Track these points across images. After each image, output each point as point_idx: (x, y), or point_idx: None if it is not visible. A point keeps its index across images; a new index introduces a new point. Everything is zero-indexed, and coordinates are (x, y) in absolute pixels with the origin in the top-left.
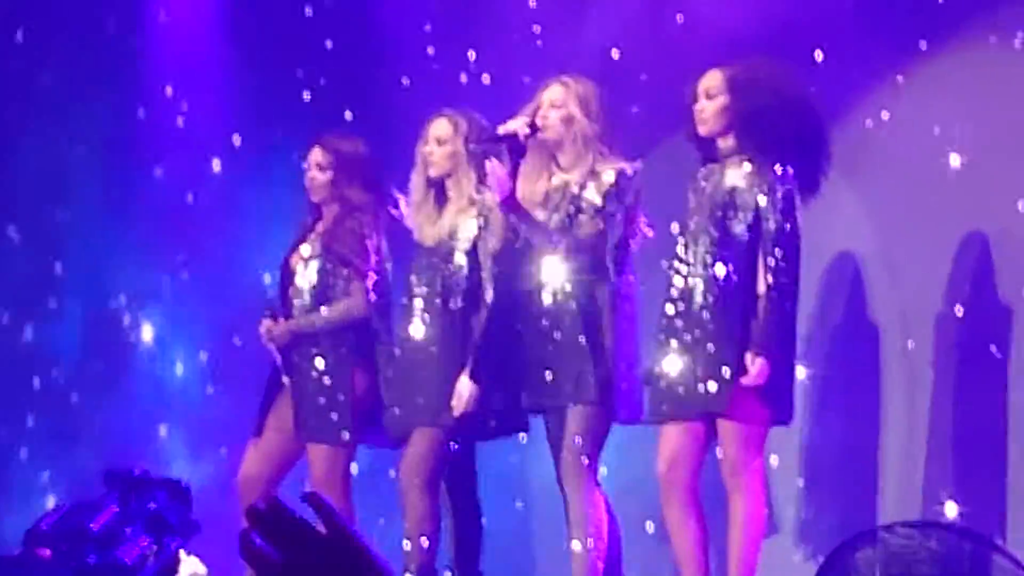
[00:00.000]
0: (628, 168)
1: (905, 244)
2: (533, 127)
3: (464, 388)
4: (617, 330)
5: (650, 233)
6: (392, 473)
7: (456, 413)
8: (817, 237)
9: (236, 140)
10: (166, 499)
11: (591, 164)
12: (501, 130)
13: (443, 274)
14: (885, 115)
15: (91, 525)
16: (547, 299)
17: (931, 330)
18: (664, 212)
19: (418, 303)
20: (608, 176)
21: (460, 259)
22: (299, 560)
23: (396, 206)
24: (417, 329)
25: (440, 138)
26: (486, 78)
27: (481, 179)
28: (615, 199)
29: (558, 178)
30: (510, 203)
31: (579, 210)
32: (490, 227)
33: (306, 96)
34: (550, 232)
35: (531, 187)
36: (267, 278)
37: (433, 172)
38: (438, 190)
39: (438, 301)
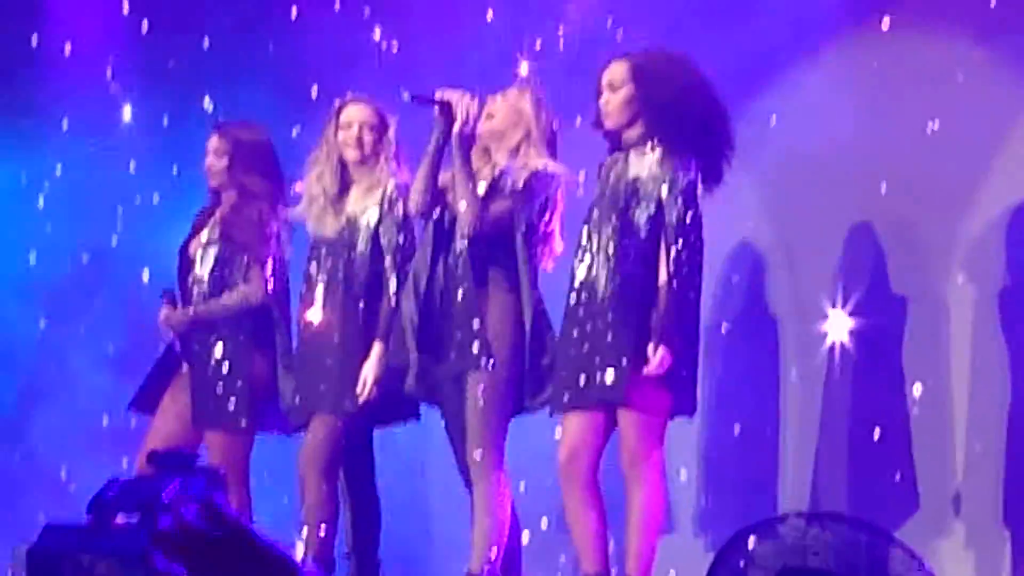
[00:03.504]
0: (552, 166)
1: (803, 235)
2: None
3: (369, 374)
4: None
5: (559, 249)
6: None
7: (361, 400)
8: (718, 227)
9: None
10: (203, 485)
11: (525, 160)
12: (438, 95)
13: (344, 261)
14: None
15: (163, 495)
16: (453, 275)
17: (828, 322)
18: (570, 201)
19: (319, 290)
20: (534, 166)
21: (362, 246)
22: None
23: (293, 195)
24: (317, 316)
25: (364, 123)
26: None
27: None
28: (532, 188)
29: (488, 164)
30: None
31: (498, 190)
32: (393, 214)
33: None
34: (473, 195)
35: None
36: (146, 274)
37: (350, 157)
38: (342, 176)
39: (340, 288)
